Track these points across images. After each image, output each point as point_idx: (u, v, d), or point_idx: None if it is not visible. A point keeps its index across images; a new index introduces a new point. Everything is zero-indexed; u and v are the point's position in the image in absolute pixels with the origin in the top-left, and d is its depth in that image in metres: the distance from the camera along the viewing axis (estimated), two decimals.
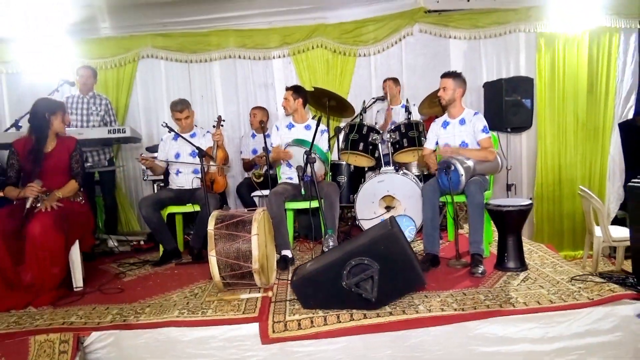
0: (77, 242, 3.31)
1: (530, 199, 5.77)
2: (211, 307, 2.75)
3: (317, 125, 3.56)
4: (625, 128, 5.56)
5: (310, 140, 3.59)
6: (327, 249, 3.19)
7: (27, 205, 3.10)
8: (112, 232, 4.94)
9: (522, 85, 5.11)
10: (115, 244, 4.63)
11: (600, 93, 5.56)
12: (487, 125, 3.57)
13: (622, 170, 5.60)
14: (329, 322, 2.51)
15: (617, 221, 5.66)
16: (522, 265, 3.18)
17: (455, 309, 2.56)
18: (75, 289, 3.26)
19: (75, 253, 3.29)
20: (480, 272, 3.10)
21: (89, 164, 4.62)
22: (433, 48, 5.58)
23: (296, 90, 3.98)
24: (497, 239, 3.94)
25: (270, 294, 2.90)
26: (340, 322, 2.50)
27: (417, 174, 4.60)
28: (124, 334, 2.52)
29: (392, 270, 2.56)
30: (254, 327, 2.52)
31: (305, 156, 3.38)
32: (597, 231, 4.14)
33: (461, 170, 3.29)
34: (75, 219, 3.28)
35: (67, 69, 5.20)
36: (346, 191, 4.60)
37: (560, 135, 5.63)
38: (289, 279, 3.18)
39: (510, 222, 3.18)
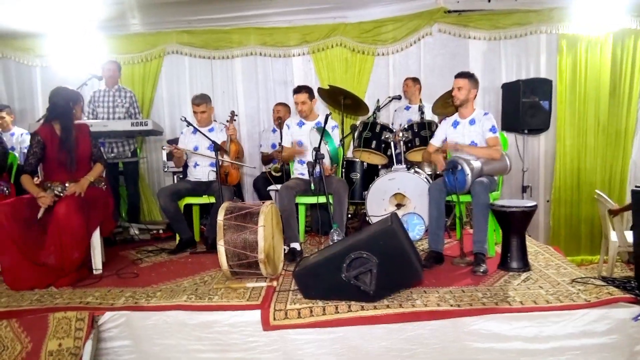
0: (98, 227, 3.50)
1: (548, 201, 5.75)
2: (218, 294, 2.89)
3: (325, 122, 3.65)
4: None
5: (324, 137, 3.68)
6: (332, 242, 3.29)
7: (39, 215, 3.22)
8: (134, 220, 5.16)
9: (541, 87, 5.08)
10: (136, 232, 4.84)
11: (623, 96, 5.47)
12: (495, 125, 3.60)
13: None
14: (327, 312, 2.61)
15: None
16: (525, 266, 3.21)
17: (452, 305, 2.63)
18: (94, 272, 3.45)
19: (96, 238, 3.48)
20: (482, 270, 3.15)
21: (112, 155, 4.84)
22: (452, 48, 5.60)
23: (310, 90, 4.08)
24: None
25: (275, 283, 3.03)
26: (338, 312, 2.60)
27: (429, 172, 4.65)
28: (135, 315, 2.68)
29: (390, 265, 2.65)
30: (256, 314, 2.64)
31: (314, 153, 3.48)
32: (613, 236, 4.11)
33: (467, 170, 3.34)
34: (96, 204, 3.46)
35: (97, 64, 5.43)
36: (359, 188, 4.69)
37: (580, 138, 5.58)
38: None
39: (514, 223, 3.21)
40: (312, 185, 3.59)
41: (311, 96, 4.06)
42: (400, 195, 4.34)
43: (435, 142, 3.86)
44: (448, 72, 5.54)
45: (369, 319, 2.57)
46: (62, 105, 3.44)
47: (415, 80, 5.21)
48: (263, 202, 3.19)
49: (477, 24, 5.48)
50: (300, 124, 4.20)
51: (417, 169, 4.43)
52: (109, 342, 2.69)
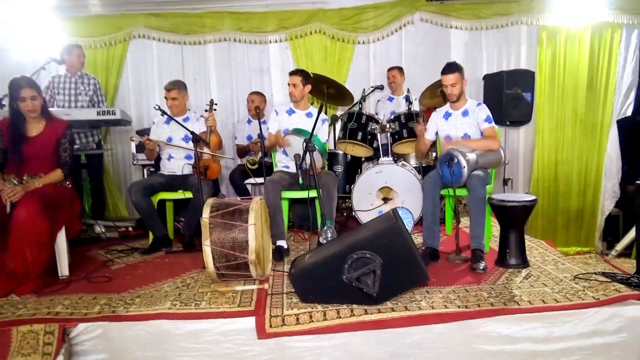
0: (63, 228, 3.16)
1: (526, 193, 5.73)
2: (204, 299, 2.64)
3: (319, 113, 3.43)
4: (624, 125, 5.52)
5: (310, 130, 3.46)
6: (325, 241, 3.08)
7: (7, 210, 2.91)
8: (98, 217, 4.78)
9: (523, 79, 5.03)
10: (103, 229, 4.48)
11: (600, 89, 5.50)
12: (490, 115, 3.49)
13: (619, 168, 5.57)
14: (328, 317, 2.41)
15: (610, 218, 5.65)
16: (524, 262, 3.12)
17: (459, 306, 2.48)
18: (60, 277, 3.11)
19: (61, 239, 3.13)
20: (481, 268, 3.03)
21: (75, 146, 4.43)
22: (434, 38, 5.48)
23: (305, 75, 3.82)
24: (496, 233, 3.91)
25: (266, 286, 2.79)
26: (340, 317, 2.41)
27: (415, 165, 4.51)
28: (112, 326, 2.39)
29: (394, 265, 2.47)
30: (250, 321, 2.41)
31: (304, 144, 3.25)
32: None
33: (463, 163, 3.20)
34: (61, 204, 3.13)
35: (55, 47, 4.98)
36: (342, 181, 4.50)
37: (558, 131, 5.59)
38: (286, 270, 3.07)
39: (513, 218, 3.10)
40: (300, 179, 3.37)
41: (305, 81, 3.81)
42: (387, 189, 4.18)
43: (429, 136, 3.71)
44: (430, 61, 5.44)
45: (374, 324, 2.38)
46: (11, 97, 3.12)
47: (401, 70, 5.05)
48: (252, 198, 2.94)
49: (459, 14, 5.38)
50: (290, 112, 3.94)
51: (404, 162, 4.27)
52: (82, 356, 2.39)
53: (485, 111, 3.46)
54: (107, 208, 5.33)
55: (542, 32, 5.42)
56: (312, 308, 2.49)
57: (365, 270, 2.47)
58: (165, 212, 4.24)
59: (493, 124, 3.46)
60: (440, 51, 5.44)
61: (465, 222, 4.50)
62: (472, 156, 3.30)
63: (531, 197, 3.10)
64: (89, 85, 4.56)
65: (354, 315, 2.42)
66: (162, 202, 4.11)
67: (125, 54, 5.40)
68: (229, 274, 2.84)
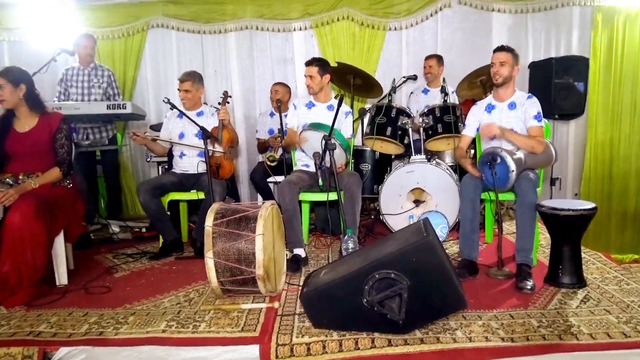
0: (62, 232, 2.91)
1: (576, 195, 5.19)
2: (205, 319, 2.32)
3: (339, 105, 3.04)
4: None
5: (330, 125, 3.09)
6: (345, 252, 2.71)
7: (0, 214, 2.67)
8: (114, 216, 4.57)
9: (575, 66, 4.48)
10: (116, 229, 4.25)
11: None
12: (541, 112, 3.01)
13: None
14: (345, 347, 2.04)
15: None
16: (580, 281, 2.65)
17: (503, 339, 2.06)
18: (58, 286, 2.86)
19: (59, 245, 2.89)
20: (529, 287, 2.58)
21: (87, 142, 4.21)
22: (473, 22, 4.98)
23: (323, 65, 3.43)
24: (544, 242, 3.44)
25: (276, 304, 2.45)
26: (358, 348, 2.03)
27: (451, 164, 4.06)
28: (97, 351, 2.10)
29: (425, 288, 2.07)
30: (254, 349, 2.07)
31: (323, 142, 2.88)
32: None
33: (512, 165, 2.74)
34: (60, 206, 2.87)
35: (71, 37, 4.78)
36: (370, 181, 4.10)
37: (613, 124, 5.01)
38: (300, 286, 2.72)
39: (568, 230, 2.63)
40: (319, 180, 3.00)
41: (323, 71, 3.42)
42: (419, 191, 3.76)
43: (469, 132, 3.25)
44: (468, 49, 4.98)
45: (399, 358, 1.99)
46: None
47: (440, 59, 4.54)
48: (262, 203, 2.60)
49: None
50: (310, 105, 3.56)
51: (438, 160, 3.83)
52: None
53: (536, 106, 2.99)
54: (124, 207, 5.12)
55: (597, 14, 4.83)
56: (326, 336, 2.12)
57: (390, 293, 2.08)
58: (179, 213, 3.96)
59: (542, 123, 2.98)
60: (479, 37, 4.95)
61: (507, 227, 4.05)
62: (520, 154, 2.85)
63: (590, 205, 2.62)
64: (102, 77, 4.33)
65: (375, 346, 2.03)
66: (175, 202, 3.83)
67: (144, 44, 5.16)
68: (235, 289, 2.51)
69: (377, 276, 2.08)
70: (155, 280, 2.97)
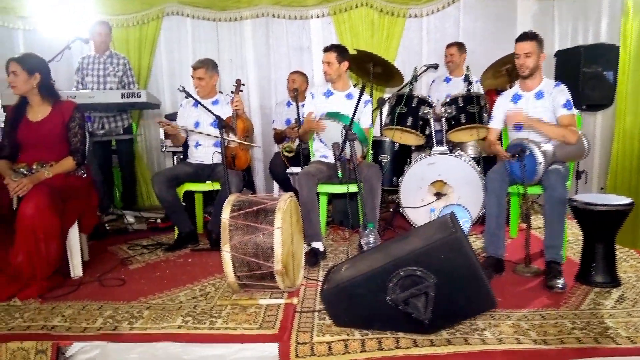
0: (76, 223, 2.85)
1: (602, 189, 5.00)
2: (222, 315, 2.24)
3: (360, 95, 2.92)
4: None
5: (350, 114, 2.97)
6: (366, 246, 2.61)
7: (14, 205, 2.62)
8: (129, 207, 4.53)
9: (605, 55, 4.27)
10: (131, 220, 4.20)
11: None
12: (571, 99, 2.86)
13: None
14: (367, 348, 1.95)
15: None
16: (614, 280, 2.52)
17: (535, 340, 1.95)
18: (72, 278, 2.82)
19: (74, 236, 2.84)
20: (560, 286, 2.46)
21: (102, 132, 4.16)
22: (497, 9, 4.81)
23: (341, 51, 3.31)
24: (572, 238, 3.31)
25: (295, 300, 2.36)
26: (382, 349, 1.94)
27: (473, 155, 3.92)
28: (112, 347, 2.03)
29: (452, 286, 1.97)
30: (273, 347, 1.99)
31: (343, 132, 2.76)
32: None
33: (540, 158, 2.62)
34: (74, 196, 2.82)
35: (86, 25, 4.72)
36: (389, 173, 3.99)
37: None
38: (319, 281, 2.63)
39: (603, 226, 2.50)
40: (338, 171, 2.89)
41: (341, 57, 3.29)
42: (440, 183, 3.64)
43: (496, 124, 3.12)
44: (491, 37, 4.81)
45: None
46: None
47: (462, 47, 4.39)
48: (280, 195, 2.50)
49: None
50: (328, 94, 3.45)
51: (460, 152, 3.70)
52: None
53: (565, 94, 2.84)
54: (139, 197, 5.08)
55: (629, 0, 4.61)
56: (347, 335, 2.03)
57: (415, 292, 1.98)
58: (194, 204, 3.89)
59: (574, 111, 2.84)
60: (503, 25, 4.77)
61: (532, 221, 3.91)
62: (548, 147, 2.71)
63: (627, 200, 2.48)
64: (118, 66, 4.26)
65: (400, 347, 1.94)
66: (190, 193, 3.76)
67: (159, 32, 5.07)
68: (252, 284, 2.43)
69: (402, 273, 1.98)
70: (170, 273, 2.91)
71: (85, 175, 2.99)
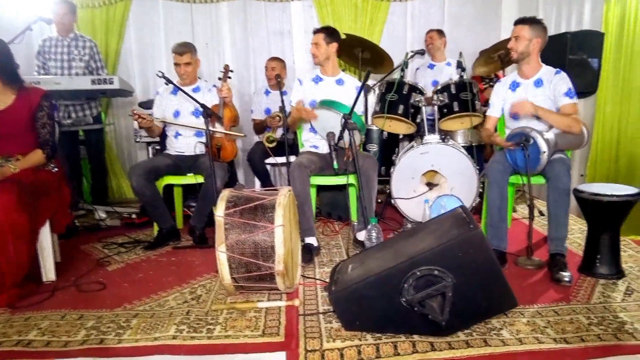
0: (47, 222, 2.59)
1: (582, 175, 5.06)
2: (219, 321, 2.06)
3: (365, 80, 2.74)
4: None
5: (342, 101, 2.81)
6: (369, 242, 2.47)
7: None
8: (99, 201, 4.23)
9: (590, 42, 4.23)
10: (103, 215, 3.92)
11: None
12: (572, 87, 2.79)
13: None
14: (382, 353, 1.81)
15: None
16: (619, 272, 2.48)
17: (555, 340, 1.87)
18: (45, 283, 2.56)
19: (45, 237, 2.57)
20: (567, 279, 2.39)
21: (69, 121, 3.84)
22: None
23: (329, 32, 3.13)
24: (574, 227, 3.28)
25: (297, 302, 2.20)
26: (398, 354, 1.81)
27: (463, 144, 3.83)
28: None
29: (471, 285, 1.86)
30: (280, 356, 1.82)
31: (343, 121, 2.60)
32: None
33: (543, 146, 2.54)
34: (44, 192, 2.55)
35: (49, 5, 4.34)
36: (378, 162, 3.84)
37: (622, 104, 4.81)
38: (319, 278, 2.48)
39: (610, 216, 2.44)
40: (334, 162, 2.73)
41: (330, 39, 3.11)
42: (432, 173, 3.53)
43: (494, 112, 3.02)
44: (477, 24, 4.74)
45: None
46: None
47: (441, 32, 4.32)
48: (277, 190, 2.32)
49: None
50: (317, 80, 3.26)
51: (452, 141, 3.60)
52: None
53: (566, 82, 2.77)
54: (110, 190, 4.77)
55: None
56: (360, 339, 1.89)
57: (432, 292, 1.85)
58: (173, 198, 3.66)
59: (576, 99, 2.76)
60: (489, 11, 4.71)
61: (522, 210, 3.88)
62: (550, 136, 2.63)
63: (635, 190, 2.43)
64: (84, 49, 3.93)
65: (417, 351, 1.81)
66: (169, 187, 3.52)
67: (128, 13, 4.74)
68: (250, 286, 2.25)
69: (418, 273, 1.85)
70: (154, 275, 2.69)
71: (57, 169, 2.72)
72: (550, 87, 2.81)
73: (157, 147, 4.01)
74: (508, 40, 2.96)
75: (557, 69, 2.87)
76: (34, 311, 2.21)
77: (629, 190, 2.43)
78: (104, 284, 2.54)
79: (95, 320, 2.09)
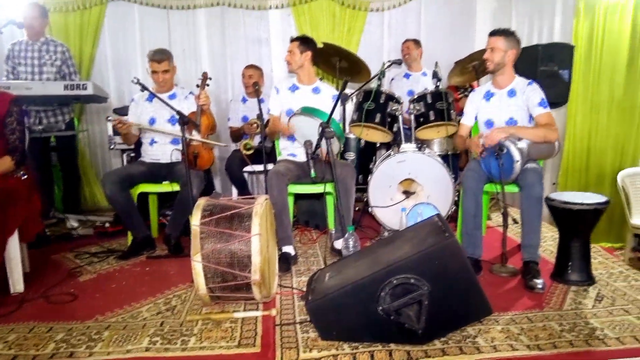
0: (16, 232, 2.51)
1: (554, 184, 5.17)
2: (194, 332, 2.03)
3: (343, 88, 2.77)
4: None
5: (323, 109, 2.82)
6: (346, 251, 2.47)
7: None
8: (72, 210, 4.13)
9: (561, 54, 4.35)
10: (75, 224, 3.83)
11: None
12: (545, 98, 2.86)
13: None
14: None
15: None
16: (590, 278, 2.54)
17: (529, 346, 1.89)
18: (12, 294, 2.47)
19: (13, 247, 2.49)
20: (540, 286, 2.44)
21: (40, 127, 3.74)
22: (457, 5, 4.82)
23: (304, 41, 3.15)
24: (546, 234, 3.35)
25: (274, 312, 2.18)
26: None
27: (439, 153, 3.88)
28: None
29: (447, 293, 1.87)
30: None
31: (320, 130, 2.60)
32: None
33: (516, 155, 2.59)
34: (13, 201, 2.47)
35: (21, 8, 4.24)
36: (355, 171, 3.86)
37: (592, 115, 4.97)
38: (296, 287, 2.47)
39: (580, 224, 2.51)
40: (312, 170, 2.72)
41: (303, 47, 3.13)
42: (409, 181, 3.56)
43: (467, 121, 3.07)
44: (452, 34, 4.82)
45: None
46: None
47: (417, 42, 4.39)
48: (254, 198, 2.31)
49: None
50: (294, 88, 3.27)
51: (428, 149, 3.64)
52: None
53: (539, 93, 2.84)
54: (82, 198, 4.66)
55: (580, 2, 4.76)
56: (336, 349, 1.89)
57: (408, 300, 1.86)
58: (148, 206, 3.60)
59: (549, 109, 2.83)
60: (464, 21, 4.80)
61: (497, 218, 3.95)
62: (523, 145, 2.68)
63: (603, 199, 2.50)
64: (55, 54, 3.85)
65: (394, 359, 1.82)
66: (144, 195, 3.46)
67: (103, 18, 4.66)
68: (226, 295, 2.23)
69: (394, 282, 1.86)
70: (128, 285, 2.64)
71: (26, 176, 2.64)
72: (523, 98, 2.88)
73: (132, 155, 3.94)
74: (483, 51, 3.03)
75: (530, 80, 2.94)
76: (0, 324, 2.13)
77: (598, 198, 2.50)
78: (75, 295, 2.47)
79: (65, 333, 2.03)
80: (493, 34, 2.92)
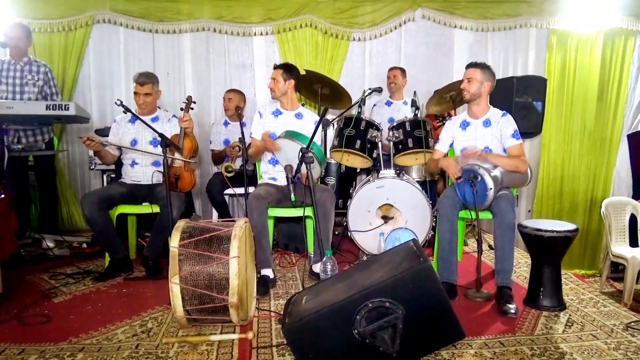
0: None
1: (529, 211, 5.31)
2: (170, 355, 2.02)
3: (323, 115, 2.84)
4: (635, 140, 5.13)
5: (306, 134, 2.89)
6: (324, 275, 2.50)
7: None
8: (49, 230, 4.07)
9: (535, 86, 4.52)
10: (51, 245, 3.77)
11: (611, 101, 5.14)
12: (517, 129, 2.98)
13: (629, 184, 5.19)
14: None
15: None
16: (560, 304, 2.60)
17: None
18: None
19: None
20: (512, 311, 2.50)
21: (20, 146, 3.72)
22: (436, 37, 4.98)
23: (288, 69, 3.24)
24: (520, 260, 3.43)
25: (250, 335, 2.19)
26: None
27: (417, 179, 3.97)
28: None
29: (421, 317, 1.91)
30: None
31: (300, 154, 2.66)
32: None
33: (490, 183, 2.68)
34: None
35: (3, 28, 4.27)
36: (335, 195, 3.91)
37: (565, 144, 5.19)
38: (274, 310, 2.48)
39: (551, 251, 2.58)
40: (292, 194, 2.77)
41: (287, 75, 3.22)
42: (388, 207, 3.62)
43: (442, 147, 3.17)
44: (431, 64, 4.98)
45: None
46: None
47: (404, 71, 4.53)
48: (234, 221, 2.33)
49: (465, 12, 4.90)
50: (277, 113, 3.34)
51: (407, 176, 3.73)
52: None
53: (512, 124, 2.95)
54: (60, 218, 4.61)
55: (552, 36, 5.00)
56: None
57: (383, 324, 1.89)
58: (127, 227, 3.58)
59: (521, 140, 2.95)
60: (443, 52, 4.97)
61: (472, 244, 4.02)
62: (497, 173, 2.78)
63: (573, 226, 2.59)
64: (38, 74, 3.86)
65: None
66: (123, 216, 3.45)
67: (87, 40, 4.69)
68: (203, 318, 2.23)
69: (369, 305, 1.89)
70: (103, 307, 2.61)
71: (3, 195, 2.63)
72: (497, 128, 2.99)
73: (112, 176, 3.93)
74: (460, 82, 3.16)
75: (504, 112, 3.05)
76: None
77: (568, 226, 2.59)
78: (48, 317, 2.44)
79: (38, 355, 2.00)
80: (470, 65, 3.04)
